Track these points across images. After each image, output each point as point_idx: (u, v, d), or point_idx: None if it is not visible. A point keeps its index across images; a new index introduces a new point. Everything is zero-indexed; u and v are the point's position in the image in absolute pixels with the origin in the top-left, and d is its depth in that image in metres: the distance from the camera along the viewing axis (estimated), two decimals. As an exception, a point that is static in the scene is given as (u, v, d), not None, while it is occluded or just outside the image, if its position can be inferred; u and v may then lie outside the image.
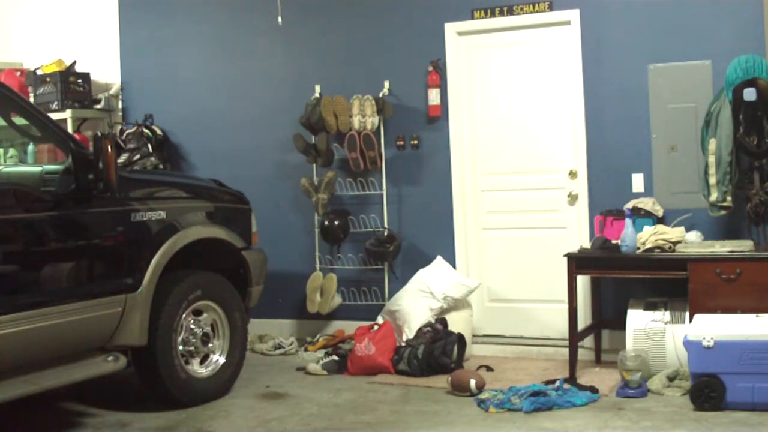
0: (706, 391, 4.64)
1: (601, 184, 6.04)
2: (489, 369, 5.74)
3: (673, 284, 5.37)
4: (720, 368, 4.62)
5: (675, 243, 5.34)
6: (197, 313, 5.21)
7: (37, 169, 5.34)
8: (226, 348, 5.32)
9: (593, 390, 5.05)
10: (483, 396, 5.05)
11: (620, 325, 5.50)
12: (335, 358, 5.94)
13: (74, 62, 7.52)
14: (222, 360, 5.31)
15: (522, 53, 6.34)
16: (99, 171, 4.56)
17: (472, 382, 5.20)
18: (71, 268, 4.63)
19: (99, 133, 4.65)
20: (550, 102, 6.25)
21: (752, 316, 4.84)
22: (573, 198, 6.17)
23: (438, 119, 6.50)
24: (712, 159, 5.39)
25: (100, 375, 4.72)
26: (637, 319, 5.39)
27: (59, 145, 4.91)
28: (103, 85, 7.63)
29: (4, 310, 4.18)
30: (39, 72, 7.57)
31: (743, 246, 5.23)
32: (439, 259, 6.41)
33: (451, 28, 6.47)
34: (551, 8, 6.16)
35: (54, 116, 6.34)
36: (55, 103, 7.33)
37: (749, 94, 5.21)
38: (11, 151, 7.05)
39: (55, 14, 7.90)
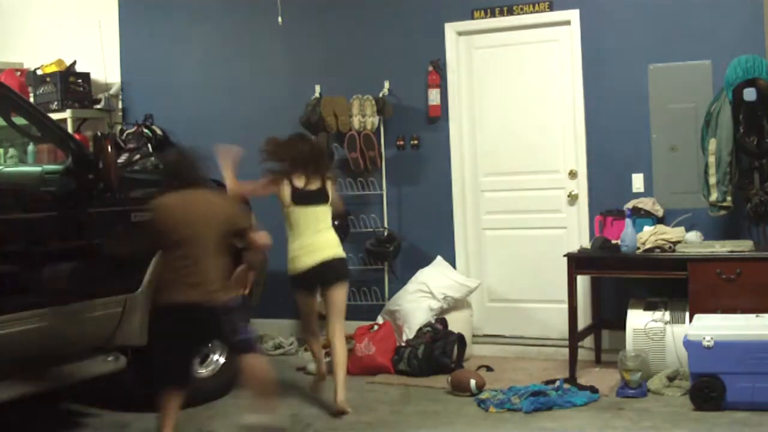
0: (706, 391, 4.64)
1: (601, 184, 6.04)
2: (489, 369, 5.74)
3: (673, 284, 5.37)
4: (720, 368, 4.62)
5: (675, 243, 5.34)
6: (197, 313, 5.21)
7: (37, 169, 5.34)
8: (226, 348, 5.32)
9: (593, 390, 5.06)
10: (483, 396, 5.06)
11: (620, 325, 5.50)
12: (335, 358, 5.94)
13: (74, 62, 7.52)
14: (222, 360, 5.30)
15: (522, 53, 6.34)
16: (99, 171, 4.56)
17: (472, 382, 5.20)
18: (71, 268, 4.62)
19: (99, 133, 4.66)
20: (550, 102, 6.25)
21: (752, 316, 4.84)
22: (573, 198, 6.17)
23: (438, 119, 6.50)
24: (712, 159, 5.38)
25: (100, 375, 4.72)
26: (637, 319, 5.39)
27: (59, 145, 4.92)
28: (103, 85, 7.63)
29: (5, 310, 4.18)
30: (39, 72, 7.57)
31: (743, 246, 5.23)
32: (439, 259, 6.41)
33: (451, 28, 6.47)
34: (551, 8, 6.16)
35: (54, 116, 6.33)
36: (55, 103, 7.33)
37: (749, 94, 5.21)
38: (11, 151, 7.04)
39: (55, 14, 7.90)
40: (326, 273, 5.01)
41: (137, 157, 7.11)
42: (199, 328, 4.13)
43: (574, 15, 6.08)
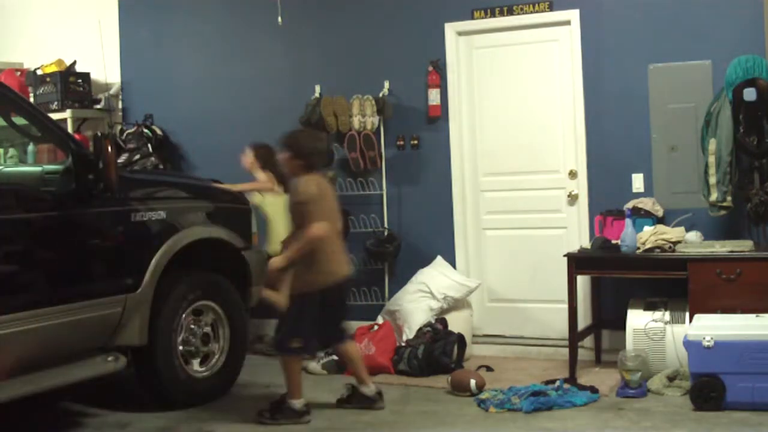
0: (706, 391, 4.64)
1: (601, 184, 6.04)
2: (489, 369, 5.74)
3: (673, 284, 5.37)
4: (720, 368, 4.62)
5: (675, 243, 5.34)
6: (197, 313, 5.21)
7: (37, 169, 5.34)
8: (226, 348, 5.32)
9: (593, 390, 5.06)
10: (483, 396, 5.05)
11: (620, 325, 5.50)
12: (335, 358, 5.93)
13: (74, 62, 7.52)
14: (222, 360, 5.30)
15: (522, 53, 6.34)
16: (99, 171, 4.55)
17: (472, 382, 5.20)
18: (71, 268, 4.62)
19: (99, 133, 4.65)
20: (550, 102, 6.25)
21: (752, 316, 4.84)
22: (573, 198, 6.17)
23: (438, 119, 6.50)
24: (712, 159, 5.38)
25: (100, 375, 4.72)
26: (637, 319, 5.39)
27: (59, 145, 4.92)
28: (103, 85, 7.64)
29: (4, 310, 4.18)
30: (39, 72, 7.57)
31: (743, 246, 5.24)
32: (439, 259, 6.41)
33: (451, 28, 6.47)
34: (551, 8, 6.16)
35: (54, 116, 6.33)
36: (55, 103, 7.34)
37: (749, 94, 5.21)
38: (11, 151, 7.05)
39: (55, 14, 7.90)
40: None
41: (137, 157, 7.13)
42: (347, 296, 4.99)
43: (574, 15, 6.08)
